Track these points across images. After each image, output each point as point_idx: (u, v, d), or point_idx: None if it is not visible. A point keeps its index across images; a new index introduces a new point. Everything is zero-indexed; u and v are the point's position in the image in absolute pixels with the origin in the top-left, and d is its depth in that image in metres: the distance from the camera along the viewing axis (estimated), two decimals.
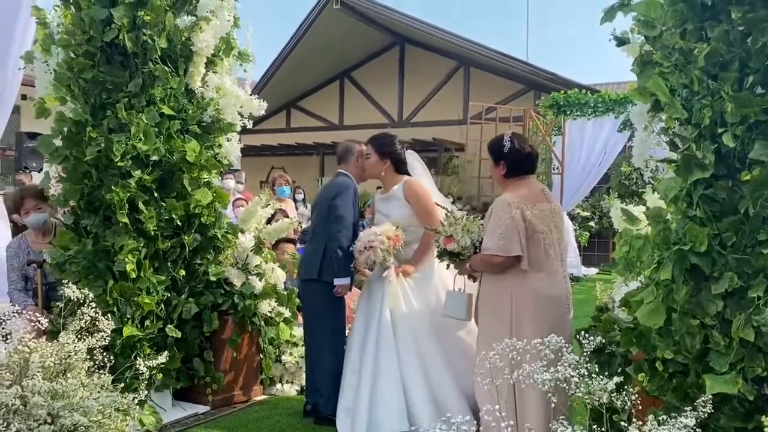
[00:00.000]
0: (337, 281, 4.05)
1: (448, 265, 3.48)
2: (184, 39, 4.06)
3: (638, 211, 2.90)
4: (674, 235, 2.46)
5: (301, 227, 7.36)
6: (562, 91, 12.45)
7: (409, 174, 4.13)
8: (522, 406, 3.00)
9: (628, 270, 2.64)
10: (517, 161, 3.31)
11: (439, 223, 3.49)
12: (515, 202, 3.16)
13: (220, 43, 4.28)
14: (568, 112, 12.19)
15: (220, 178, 10.31)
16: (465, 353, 3.68)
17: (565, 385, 2.05)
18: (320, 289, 4.12)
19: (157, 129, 3.91)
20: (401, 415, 3.63)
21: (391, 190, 4.08)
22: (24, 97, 8.80)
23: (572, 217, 13.22)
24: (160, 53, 3.94)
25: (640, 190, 9.79)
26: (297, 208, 9.27)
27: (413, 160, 4.20)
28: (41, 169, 6.46)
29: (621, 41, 2.77)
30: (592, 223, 14.21)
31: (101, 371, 3.12)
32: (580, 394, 2.07)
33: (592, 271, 12.78)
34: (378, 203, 4.24)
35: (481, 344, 3.19)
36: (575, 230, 13.00)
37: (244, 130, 4.32)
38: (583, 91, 12.46)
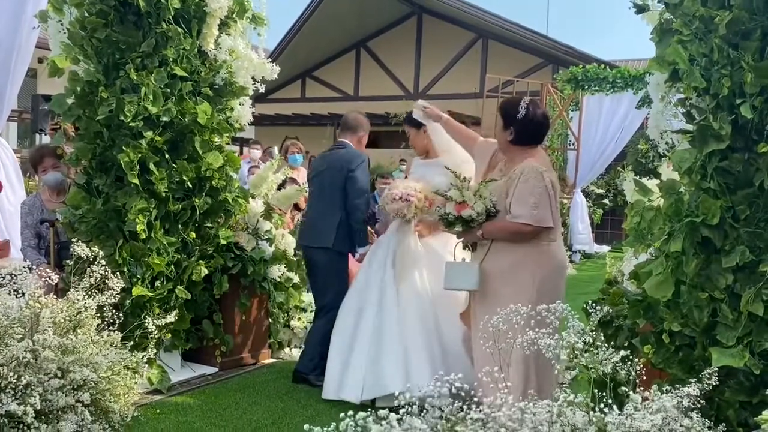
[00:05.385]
0: (361, 251, 4.31)
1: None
2: (197, 0, 4.03)
3: (652, 184, 2.87)
4: (686, 207, 2.43)
5: None
6: (581, 66, 12.21)
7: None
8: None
9: (639, 241, 2.61)
10: (527, 131, 3.27)
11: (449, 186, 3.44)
12: (544, 170, 3.14)
13: (234, 5, 4.25)
14: (586, 87, 11.96)
15: (248, 147, 10.25)
16: (456, 324, 3.67)
17: (568, 351, 2.04)
18: (333, 257, 4.30)
19: (169, 90, 3.90)
20: (405, 376, 3.62)
21: (436, 159, 4.05)
22: (40, 60, 8.81)
23: (586, 194, 13.10)
24: (173, 13, 3.92)
25: (656, 164, 9.64)
26: None
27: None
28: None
29: (640, 8, 2.70)
30: (606, 201, 14.10)
31: (111, 329, 3.15)
32: (583, 362, 2.06)
33: (605, 248, 12.71)
34: (417, 167, 4.22)
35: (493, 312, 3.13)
36: (588, 207, 12.90)
37: (259, 99, 4.31)
38: (602, 66, 12.20)
